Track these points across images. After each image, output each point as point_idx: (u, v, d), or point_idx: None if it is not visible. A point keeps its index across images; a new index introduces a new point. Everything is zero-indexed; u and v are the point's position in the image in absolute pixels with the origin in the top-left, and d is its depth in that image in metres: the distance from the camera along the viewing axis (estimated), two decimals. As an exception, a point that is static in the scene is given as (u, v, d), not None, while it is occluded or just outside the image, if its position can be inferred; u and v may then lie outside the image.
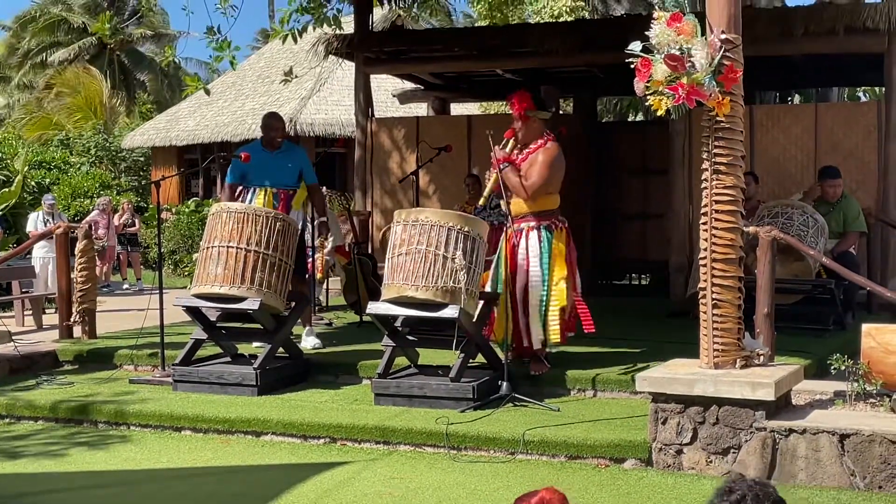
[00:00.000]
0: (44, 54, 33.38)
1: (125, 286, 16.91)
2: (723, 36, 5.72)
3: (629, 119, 22.77)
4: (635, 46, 5.72)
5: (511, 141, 7.36)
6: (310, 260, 9.27)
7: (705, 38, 5.69)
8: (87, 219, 15.90)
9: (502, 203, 7.35)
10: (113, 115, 28.27)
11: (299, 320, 8.40)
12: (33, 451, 6.65)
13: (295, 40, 10.34)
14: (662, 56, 5.62)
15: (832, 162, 9.72)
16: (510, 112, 7.48)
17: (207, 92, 12.41)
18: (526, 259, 7.25)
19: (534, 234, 7.28)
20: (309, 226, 9.36)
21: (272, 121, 8.76)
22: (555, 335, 7.19)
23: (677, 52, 5.60)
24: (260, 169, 8.46)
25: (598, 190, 13.41)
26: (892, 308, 8.63)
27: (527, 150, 7.36)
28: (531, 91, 7.60)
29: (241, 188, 8.57)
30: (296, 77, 11.73)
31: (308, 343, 8.57)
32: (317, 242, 9.31)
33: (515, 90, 7.54)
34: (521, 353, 7.41)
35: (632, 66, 5.70)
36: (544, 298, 7.20)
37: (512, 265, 7.25)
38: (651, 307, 10.78)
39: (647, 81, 5.71)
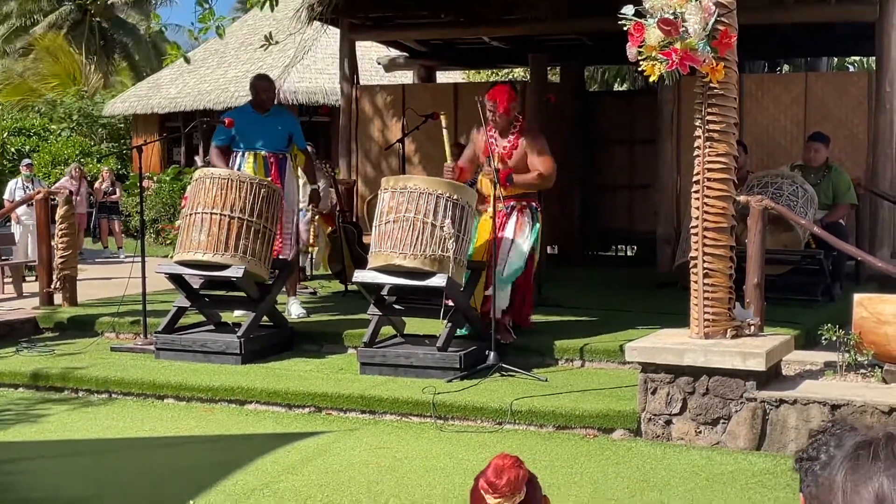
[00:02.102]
0: (23, 19, 32.89)
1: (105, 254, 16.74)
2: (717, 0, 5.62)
3: (614, 88, 22.61)
4: (628, 10, 5.61)
5: (495, 156, 7.24)
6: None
7: (699, 3, 5.58)
8: (56, 185, 15.58)
9: (479, 180, 7.41)
10: (90, 83, 27.89)
11: (284, 288, 8.30)
12: (12, 418, 6.55)
13: (272, 8, 10.12)
14: (655, 20, 5.50)
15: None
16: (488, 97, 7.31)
17: (187, 60, 12.19)
18: (506, 229, 7.19)
19: (527, 212, 7.30)
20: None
21: (261, 82, 8.59)
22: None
23: (671, 17, 5.49)
24: (250, 132, 8.29)
25: (585, 160, 13.30)
26: (879, 279, 8.59)
27: (509, 140, 7.31)
28: (507, 83, 7.61)
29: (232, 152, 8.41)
30: (276, 42, 11.50)
31: (293, 311, 8.48)
32: (308, 210, 9.18)
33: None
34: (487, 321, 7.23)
35: (625, 29, 5.59)
36: (518, 272, 7.19)
37: (495, 238, 7.17)
38: (638, 278, 10.72)
39: (640, 46, 5.60)
